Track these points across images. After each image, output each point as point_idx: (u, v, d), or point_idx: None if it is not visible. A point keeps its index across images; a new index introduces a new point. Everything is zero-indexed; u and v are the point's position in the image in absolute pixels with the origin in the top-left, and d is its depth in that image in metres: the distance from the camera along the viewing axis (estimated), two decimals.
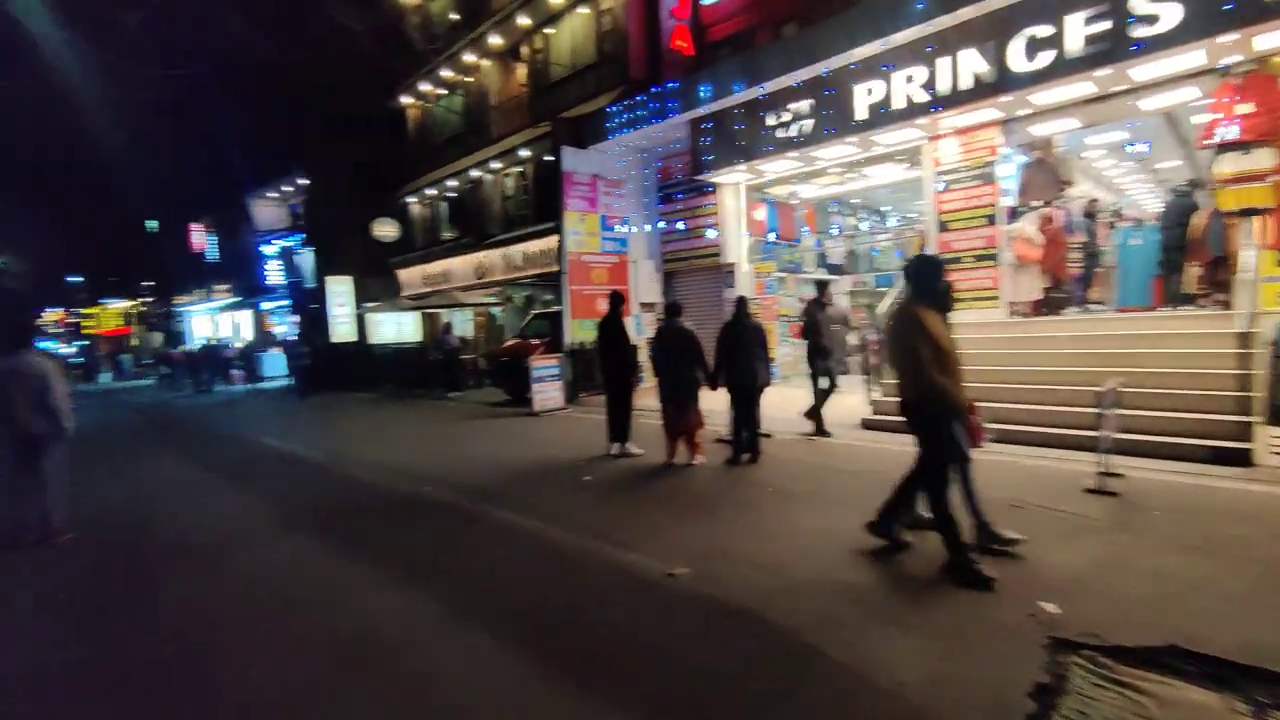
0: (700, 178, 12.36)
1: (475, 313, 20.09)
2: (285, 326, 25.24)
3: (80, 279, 43.99)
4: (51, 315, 46.81)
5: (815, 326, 7.85)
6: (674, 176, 13.88)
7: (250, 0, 21.83)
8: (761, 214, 13.04)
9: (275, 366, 20.75)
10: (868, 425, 8.04)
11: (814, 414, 7.92)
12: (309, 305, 22.08)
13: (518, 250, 16.76)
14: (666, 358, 6.96)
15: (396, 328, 20.84)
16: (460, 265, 19.05)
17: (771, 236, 13.16)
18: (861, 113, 9.55)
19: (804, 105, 10.21)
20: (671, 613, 3.61)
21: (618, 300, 7.57)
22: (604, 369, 7.61)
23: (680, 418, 6.90)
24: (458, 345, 15.73)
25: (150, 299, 42.62)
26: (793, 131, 10.38)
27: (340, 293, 19.95)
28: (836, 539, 4.48)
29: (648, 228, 14.29)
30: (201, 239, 33.91)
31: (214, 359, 22.43)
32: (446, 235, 20.69)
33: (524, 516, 5.47)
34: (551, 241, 15.66)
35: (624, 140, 12.88)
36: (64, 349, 38.15)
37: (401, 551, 4.84)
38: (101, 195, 35.87)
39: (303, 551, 5.02)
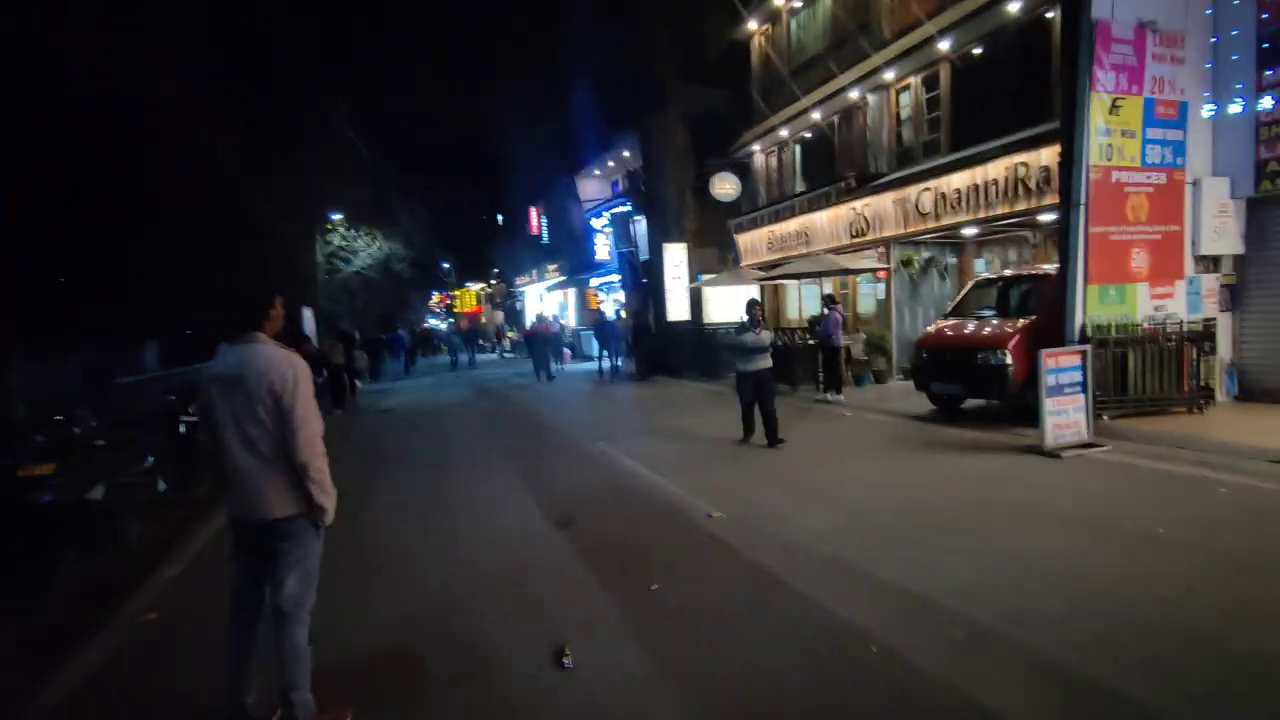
0: None
1: (837, 286, 15.54)
2: (612, 304, 23.81)
3: (447, 264, 50.51)
4: (435, 298, 54.78)
5: None
6: None
7: None
8: None
9: (594, 347, 18.92)
10: None
11: None
12: (640, 279, 19.89)
13: (924, 192, 11.68)
14: None
15: (734, 304, 17.36)
16: (824, 222, 14.62)
17: None
18: None
19: None
20: None
21: None
22: None
23: None
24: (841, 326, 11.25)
25: (495, 281, 47.02)
26: None
27: (676, 263, 17.07)
28: None
29: (1209, 113, 7.95)
30: (537, 222, 35.29)
31: (544, 338, 21.47)
32: (801, 188, 16.45)
33: None
34: (992, 170, 10.32)
35: None
36: (442, 326, 43.53)
37: None
38: (464, 187, 40.08)
39: None
